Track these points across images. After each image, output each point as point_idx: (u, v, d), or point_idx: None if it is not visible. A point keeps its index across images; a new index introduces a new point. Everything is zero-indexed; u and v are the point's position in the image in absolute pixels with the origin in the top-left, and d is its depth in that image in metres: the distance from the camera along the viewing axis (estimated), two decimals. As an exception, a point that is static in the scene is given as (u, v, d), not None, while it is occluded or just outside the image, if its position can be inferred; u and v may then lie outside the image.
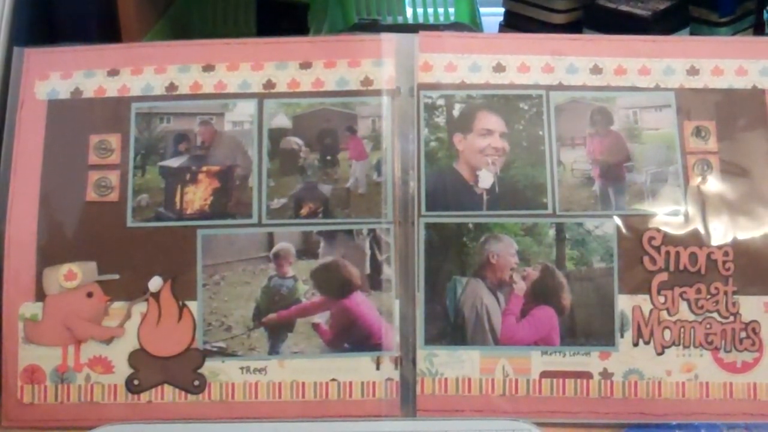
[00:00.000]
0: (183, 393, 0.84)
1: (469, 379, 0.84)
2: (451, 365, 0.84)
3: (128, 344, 0.84)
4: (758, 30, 1.44)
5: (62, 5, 1.05)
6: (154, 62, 0.90)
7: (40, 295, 0.85)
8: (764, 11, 1.47)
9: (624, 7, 1.23)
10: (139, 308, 0.85)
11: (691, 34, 1.30)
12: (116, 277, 0.85)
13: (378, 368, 0.84)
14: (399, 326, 0.84)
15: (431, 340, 0.84)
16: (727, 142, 0.87)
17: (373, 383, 0.84)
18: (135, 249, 0.86)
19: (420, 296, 0.85)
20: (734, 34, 1.36)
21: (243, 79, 0.89)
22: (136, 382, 0.84)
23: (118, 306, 0.85)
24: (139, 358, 0.84)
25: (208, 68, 0.90)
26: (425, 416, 0.83)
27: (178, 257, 0.85)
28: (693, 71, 0.89)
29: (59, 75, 0.90)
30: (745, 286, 0.84)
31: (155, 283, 0.85)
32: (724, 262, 0.85)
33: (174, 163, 0.88)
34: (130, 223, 0.86)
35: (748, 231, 0.85)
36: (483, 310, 0.84)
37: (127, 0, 1.19)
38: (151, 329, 0.85)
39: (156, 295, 0.85)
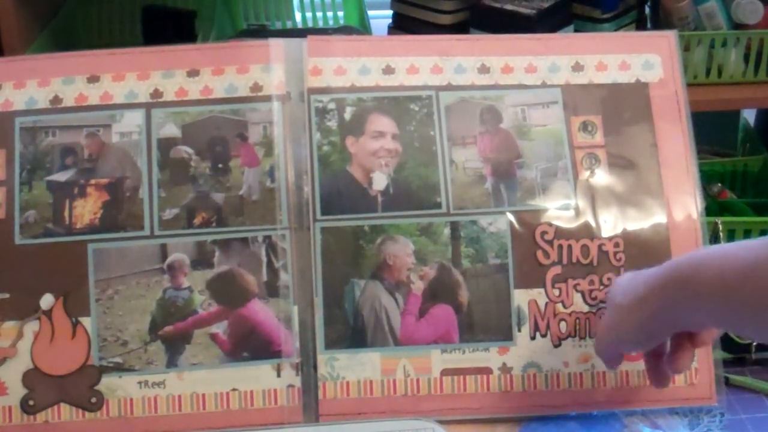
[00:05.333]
0: (80, 411, 0.82)
1: (371, 381, 0.84)
2: (352, 368, 0.84)
3: (21, 364, 0.82)
4: (640, 25, 1.48)
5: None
6: (37, 75, 0.88)
7: (-74, 319, 0.83)
8: (645, 6, 1.51)
9: (509, 7, 1.26)
10: (32, 327, 0.83)
11: (576, 31, 1.33)
12: (6, 296, 0.83)
13: (279, 375, 0.83)
14: (298, 332, 0.84)
15: (331, 344, 0.84)
16: (613, 135, 0.89)
17: (275, 391, 0.83)
18: (24, 267, 0.84)
19: (318, 301, 0.84)
20: (617, 29, 1.39)
21: (129, 89, 0.88)
22: (31, 402, 0.82)
23: (9, 326, 0.83)
24: (33, 377, 0.82)
25: (93, 79, 0.88)
26: (328, 421, 0.83)
27: (69, 273, 0.83)
28: (578, 67, 0.91)
29: (-61, 91, 0.88)
30: (636, 276, 0.86)
31: (47, 300, 0.83)
32: (615, 253, 0.86)
33: (61, 177, 0.86)
34: (18, 240, 0.84)
35: (637, 221, 0.87)
36: (382, 312, 0.85)
37: (8, 12, 1.17)
38: (45, 348, 0.83)
39: (48, 313, 0.83)
